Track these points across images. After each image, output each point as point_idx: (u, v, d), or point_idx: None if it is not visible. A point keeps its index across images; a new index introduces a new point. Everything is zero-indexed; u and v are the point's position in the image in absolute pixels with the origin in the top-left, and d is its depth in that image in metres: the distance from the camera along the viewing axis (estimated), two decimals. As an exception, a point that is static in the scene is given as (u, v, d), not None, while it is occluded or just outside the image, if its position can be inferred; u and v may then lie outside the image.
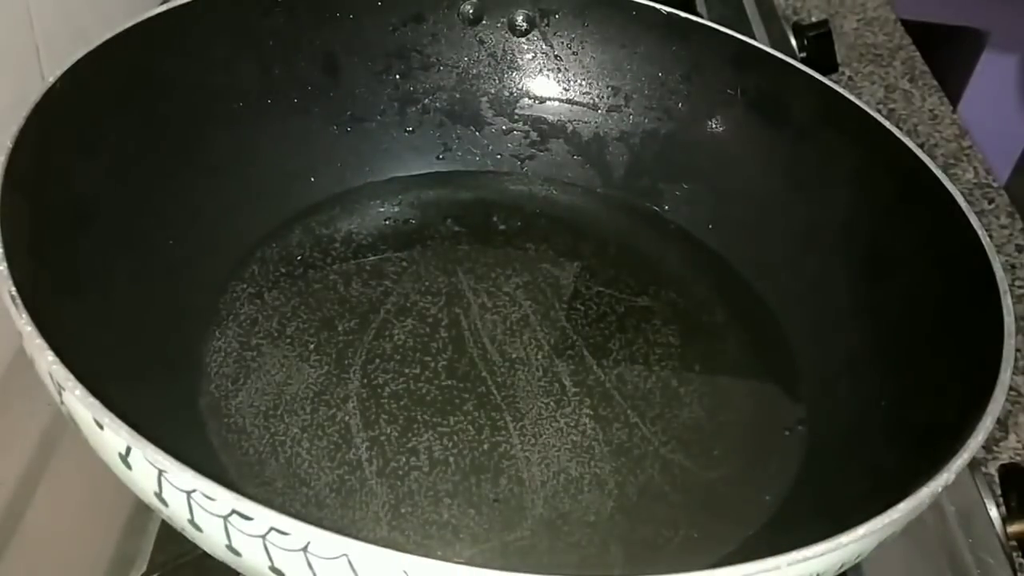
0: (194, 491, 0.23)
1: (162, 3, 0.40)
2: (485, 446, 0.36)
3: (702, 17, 0.52)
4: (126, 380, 0.31)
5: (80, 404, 0.25)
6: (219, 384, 0.36)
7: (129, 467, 0.25)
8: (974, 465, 0.45)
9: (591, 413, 0.38)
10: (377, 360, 0.38)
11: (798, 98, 0.44)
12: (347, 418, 0.36)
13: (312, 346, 0.38)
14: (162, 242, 0.37)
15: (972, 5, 1.08)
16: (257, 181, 0.43)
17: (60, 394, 0.25)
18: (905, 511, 0.26)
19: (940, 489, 0.27)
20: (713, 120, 0.46)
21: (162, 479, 0.24)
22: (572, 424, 0.37)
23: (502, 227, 0.46)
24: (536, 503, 0.34)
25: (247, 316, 0.39)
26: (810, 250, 0.43)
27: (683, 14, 0.46)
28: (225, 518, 0.23)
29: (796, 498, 0.35)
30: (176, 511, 0.24)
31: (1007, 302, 0.33)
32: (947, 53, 1.05)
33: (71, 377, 0.25)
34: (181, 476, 0.23)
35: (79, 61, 0.35)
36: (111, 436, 0.24)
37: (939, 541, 0.41)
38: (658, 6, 0.46)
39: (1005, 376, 0.30)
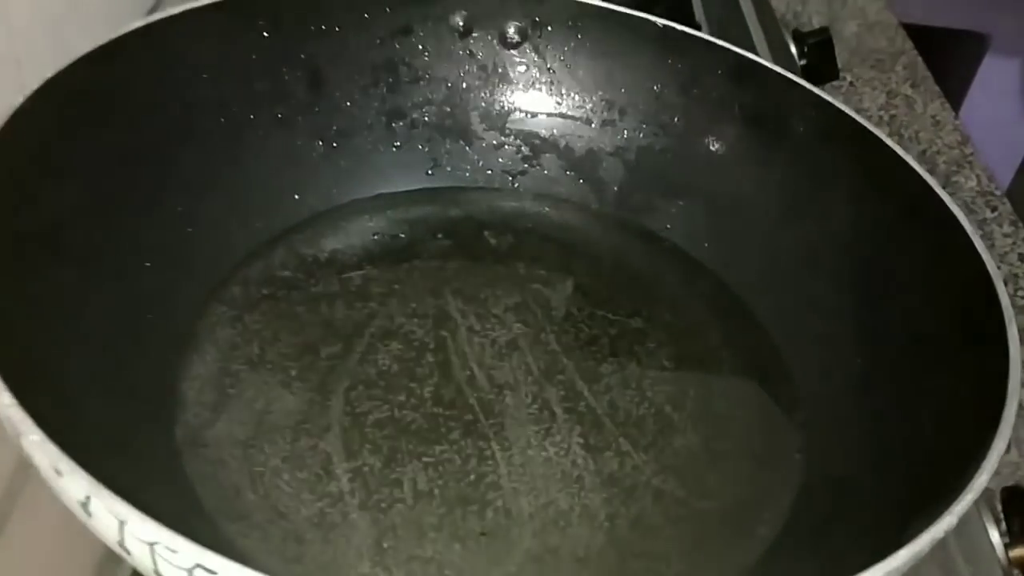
0: (156, 543, 0.22)
1: (147, 15, 0.39)
2: (471, 477, 0.35)
3: (701, 25, 0.51)
4: (98, 410, 0.30)
5: (38, 450, 0.23)
6: (196, 412, 0.35)
7: (89, 515, 0.23)
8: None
9: (581, 441, 0.37)
10: (361, 386, 0.37)
11: (797, 113, 0.43)
12: (328, 448, 0.35)
13: (294, 372, 0.37)
14: (138, 264, 0.36)
15: (974, 9, 1.07)
16: (239, 199, 0.41)
17: (18, 438, 0.24)
18: (904, 559, 0.25)
19: (942, 534, 0.26)
20: (710, 136, 0.45)
21: (123, 529, 0.23)
22: (562, 453, 0.36)
23: (493, 244, 0.45)
24: (524, 536, 0.33)
25: (226, 340, 0.38)
26: (809, 270, 0.42)
27: (679, 27, 0.45)
28: (189, 572, 0.22)
29: (792, 531, 0.34)
30: (140, 561, 0.23)
31: (1012, 331, 0.32)
32: (949, 57, 1.04)
33: (28, 420, 0.24)
34: (143, 527, 0.22)
35: (52, 78, 0.34)
36: (70, 484, 0.23)
37: (938, 566, 0.40)
38: (654, 18, 0.45)
39: (1010, 412, 0.29)
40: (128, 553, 0.24)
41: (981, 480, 0.27)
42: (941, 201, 0.37)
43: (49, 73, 0.34)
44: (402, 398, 0.37)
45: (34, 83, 0.34)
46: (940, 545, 0.40)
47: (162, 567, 0.23)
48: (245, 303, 0.40)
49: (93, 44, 0.36)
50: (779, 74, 0.43)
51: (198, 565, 0.22)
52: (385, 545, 0.32)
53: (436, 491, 0.34)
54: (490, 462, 0.35)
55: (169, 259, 0.38)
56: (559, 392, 0.38)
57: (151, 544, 0.22)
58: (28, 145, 0.33)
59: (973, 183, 0.72)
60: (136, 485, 0.24)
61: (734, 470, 0.37)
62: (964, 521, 0.41)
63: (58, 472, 0.23)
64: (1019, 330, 0.32)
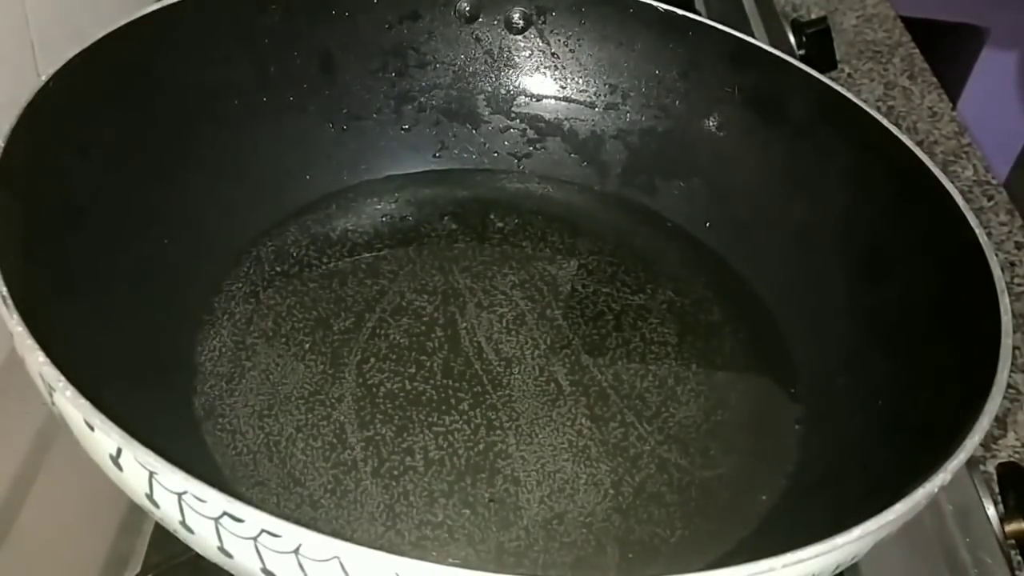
0: (185, 493, 0.23)
1: (157, 1, 0.40)
2: (480, 446, 0.36)
3: (700, 14, 0.52)
4: (119, 380, 0.31)
5: (71, 405, 0.24)
6: (213, 383, 0.36)
7: (120, 468, 0.24)
8: (972, 464, 0.45)
9: (587, 412, 0.38)
10: (372, 359, 0.38)
11: (796, 96, 0.44)
12: (342, 418, 0.36)
13: (307, 345, 0.38)
14: (156, 241, 0.37)
15: (971, 2, 1.08)
16: (252, 179, 0.42)
17: (51, 395, 0.25)
18: (901, 512, 0.26)
19: (936, 489, 0.27)
20: (711, 118, 0.46)
21: (153, 481, 0.24)
22: (568, 423, 0.37)
23: (499, 225, 0.46)
24: (532, 503, 0.34)
25: (242, 315, 0.39)
26: (808, 249, 0.42)
27: (680, 11, 0.46)
28: (216, 520, 0.23)
29: (792, 498, 0.35)
30: (167, 513, 0.24)
31: (1005, 301, 0.33)
32: (946, 50, 1.05)
33: (62, 378, 0.25)
34: (172, 478, 0.23)
35: (72, 59, 0.35)
36: (102, 437, 0.24)
37: (937, 540, 0.41)
38: (655, 3, 0.46)
39: (1002, 376, 0.30)
40: (156, 506, 0.25)
41: (974, 440, 0.28)
42: (936, 179, 0.38)
43: (68, 55, 0.35)
44: (412, 370, 0.38)
45: (48, 67, 0.34)
46: (939, 521, 0.41)
47: (190, 517, 0.24)
48: (260, 280, 0.41)
49: (108, 28, 0.37)
50: (778, 57, 0.44)
51: (225, 513, 0.23)
52: (397, 511, 0.33)
53: (446, 459, 0.35)
54: (498, 432, 0.36)
55: (186, 237, 0.39)
56: (565, 365, 0.39)
57: (179, 494, 0.23)
58: (50, 124, 0.34)
59: (970, 172, 0.73)
60: (160, 446, 0.24)
61: (735, 440, 0.38)
62: (962, 497, 0.42)
63: (90, 426, 0.24)
64: (1015, 315, 0.33)
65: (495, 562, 0.32)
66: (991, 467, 0.46)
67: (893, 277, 0.39)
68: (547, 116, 0.48)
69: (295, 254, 0.42)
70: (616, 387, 0.39)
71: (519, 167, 0.48)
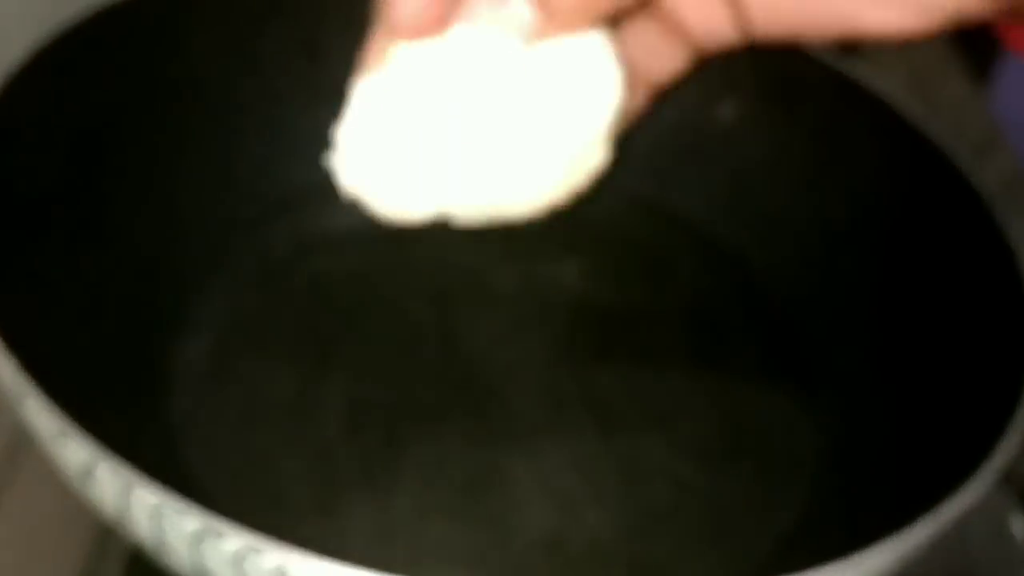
0: (161, 508, 0.23)
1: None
2: (477, 458, 0.36)
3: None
4: (92, 389, 0.31)
5: (41, 415, 0.24)
6: (192, 392, 0.36)
7: (93, 481, 0.24)
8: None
9: (592, 423, 0.38)
10: (361, 366, 0.38)
11: (814, 86, 0.43)
12: (328, 430, 0.36)
13: (292, 351, 0.38)
14: (130, 240, 0.37)
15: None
16: (236, 176, 0.42)
17: (20, 405, 0.25)
18: (925, 532, 0.26)
19: (963, 510, 0.27)
20: (724, 108, 0.46)
21: (128, 494, 0.24)
22: (571, 435, 0.37)
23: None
24: (531, 521, 0.34)
25: (223, 319, 0.39)
26: (826, 248, 0.42)
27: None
28: (195, 537, 0.23)
29: (811, 515, 0.35)
30: (143, 530, 0.24)
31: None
32: (978, 34, 1.04)
33: (30, 386, 0.25)
34: (147, 492, 0.23)
35: (40, 49, 0.35)
36: (74, 449, 0.24)
37: (959, 553, 0.41)
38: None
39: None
40: (131, 524, 0.25)
41: (1004, 455, 0.28)
42: (962, 174, 0.38)
43: (36, 46, 0.35)
44: (404, 378, 0.38)
45: (13, 57, 0.34)
46: (961, 533, 0.41)
47: (167, 535, 0.24)
48: (242, 280, 0.41)
49: (78, 17, 0.37)
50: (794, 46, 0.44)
51: (205, 531, 0.23)
52: (387, 528, 0.33)
53: (440, 473, 0.35)
54: (496, 443, 0.36)
55: (163, 236, 0.39)
56: (568, 372, 0.39)
57: (156, 509, 0.24)
58: (16, 117, 0.34)
59: (1000, 164, 0.73)
60: (134, 460, 0.24)
61: (750, 453, 0.38)
62: (985, 509, 0.42)
63: (63, 436, 0.24)
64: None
65: (491, 585, 0.33)
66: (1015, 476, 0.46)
67: (918, 279, 0.39)
68: (549, 107, 0.48)
69: (281, 254, 0.42)
70: (623, 396, 0.39)
71: (519, 161, 0.48)
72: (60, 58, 0.36)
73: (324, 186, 0.45)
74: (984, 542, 0.41)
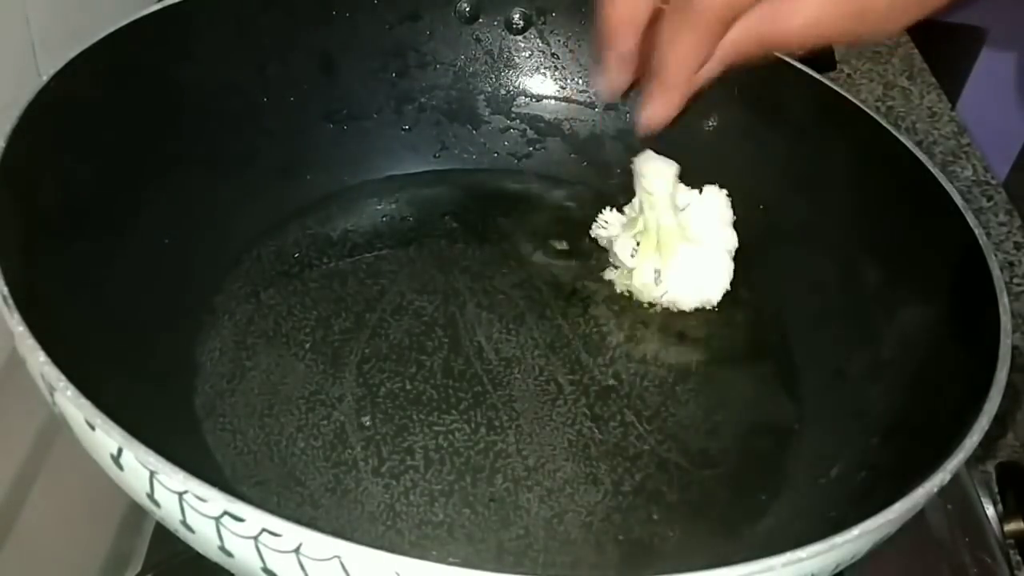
0: (185, 492, 0.23)
1: (157, 1, 0.40)
2: (480, 445, 0.36)
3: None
4: (120, 380, 0.31)
5: (71, 405, 0.24)
6: (214, 383, 0.36)
7: (121, 468, 0.24)
8: (971, 463, 0.44)
9: (587, 412, 0.38)
10: (373, 359, 0.38)
11: (796, 97, 0.44)
12: (342, 417, 0.36)
13: (307, 345, 0.38)
14: (157, 241, 0.37)
15: (971, 2, 1.08)
16: (253, 180, 0.42)
17: (52, 395, 0.25)
18: (900, 512, 0.26)
19: (936, 489, 0.27)
20: (710, 119, 0.46)
21: (154, 480, 0.24)
22: (568, 423, 0.37)
23: (499, 224, 0.46)
24: (532, 502, 0.34)
25: (243, 315, 0.39)
26: (807, 249, 0.42)
27: (680, 12, 0.45)
28: (217, 519, 0.23)
29: (791, 497, 0.35)
30: (168, 512, 0.24)
31: (1004, 301, 0.33)
32: (946, 50, 1.04)
33: (63, 378, 0.25)
34: (172, 477, 0.23)
35: (73, 60, 0.35)
36: (103, 437, 0.24)
37: (936, 539, 0.41)
38: (655, 4, 0.46)
39: (1001, 375, 0.30)
40: (157, 506, 0.25)
41: (973, 440, 0.28)
42: (935, 179, 0.38)
43: (69, 55, 0.35)
44: (413, 370, 0.38)
45: (50, 67, 0.34)
46: (939, 520, 0.41)
47: (190, 517, 0.24)
48: (260, 279, 0.41)
49: (109, 28, 0.37)
50: (777, 57, 0.44)
51: (226, 512, 0.23)
52: (397, 510, 0.33)
53: (446, 458, 0.35)
54: (498, 431, 0.36)
55: (186, 236, 0.39)
56: (565, 364, 0.39)
57: (180, 493, 0.23)
58: (51, 124, 0.34)
59: (969, 173, 0.73)
60: (161, 446, 0.24)
61: (734, 439, 0.38)
62: (962, 497, 0.42)
63: (91, 426, 0.24)
64: (1014, 314, 0.33)
65: (495, 561, 0.33)
66: (990, 467, 0.46)
67: (892, 278, 0.39)
68: (547, 116, 0.49)
69: (295, 254, 0.42)
70: (616, 386, 0.39)
71: (519, 167, 0.48)
72: (93, 71, 0.36)
73: (338, 191, 0.46)
74: (961, 526, 0.41)
